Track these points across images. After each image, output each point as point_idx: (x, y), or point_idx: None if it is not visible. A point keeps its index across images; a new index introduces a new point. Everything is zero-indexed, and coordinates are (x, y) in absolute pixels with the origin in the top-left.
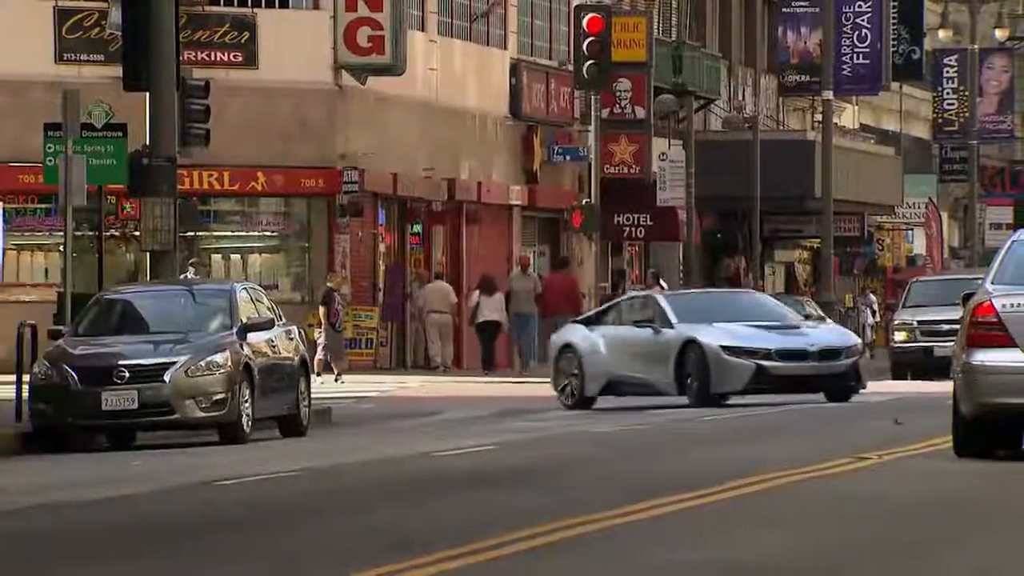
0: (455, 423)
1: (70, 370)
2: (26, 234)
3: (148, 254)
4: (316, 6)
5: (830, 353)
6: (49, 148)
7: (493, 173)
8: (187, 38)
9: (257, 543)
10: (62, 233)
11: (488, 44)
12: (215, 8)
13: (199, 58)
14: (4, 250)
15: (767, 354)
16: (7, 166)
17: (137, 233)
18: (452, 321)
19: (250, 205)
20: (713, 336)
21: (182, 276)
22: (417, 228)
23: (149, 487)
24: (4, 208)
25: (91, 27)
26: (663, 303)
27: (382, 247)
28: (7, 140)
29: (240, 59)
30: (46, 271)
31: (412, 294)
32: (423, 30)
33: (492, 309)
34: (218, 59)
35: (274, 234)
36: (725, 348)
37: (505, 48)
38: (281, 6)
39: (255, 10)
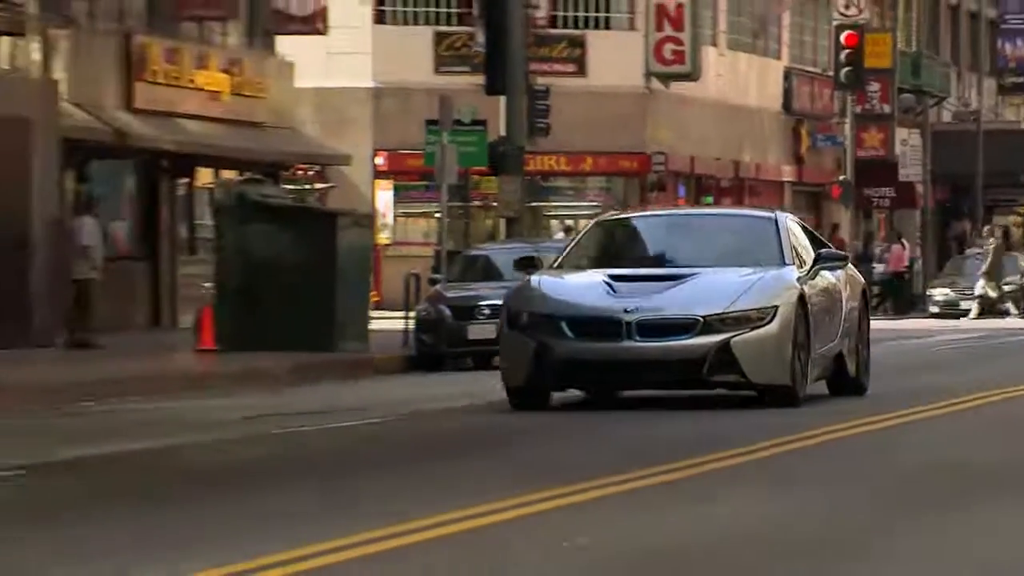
0: None
1: (445, 308)
2: (411, 205)
3: (503, 220)
4: (632, 27)
5: (665, 328)
6: (429, 139)
7: (769, 156)
8: (533, 53)
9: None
10: (438, 204)
11: (766, 55)
12: (554, 30)
13: (542, 69)
14: (395, 217)
15: (555, 326)
16: (398, 153)
17: (494, 204)
18: None
19: (580, 182)
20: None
21: (557, 235)
22: (709, 199)
23: (496, 398)
24: (396, 185)
25: (461, 46)
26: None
27: None
28: (398, 134)
29: (573, 70)
30: (426, 233)
31: None
32: (715, 45)
33: None
34: (556, 70)
35: (598, 205)
36: (512, 316)
37: (780, 59)
38: (605, 28)
39: (585, 31)
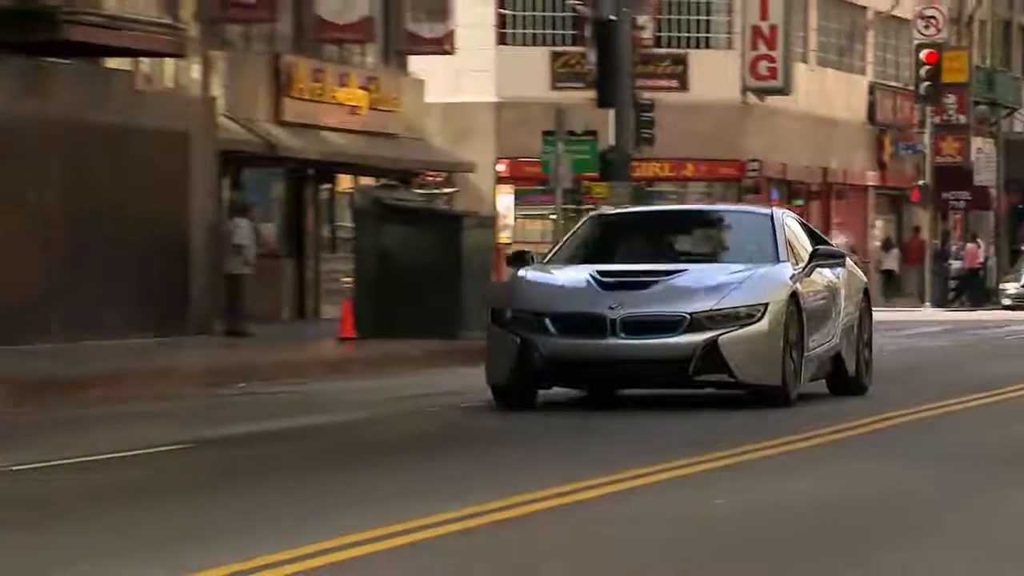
0: None
1: None
2: (530, 208)
3: None
4: (729, 46)
5: (650, 325)
6: (546, 149)
7: (854, 163)
8: (639, 70)
9: None
10: (554, 207)
11: (852, 72)
12: (658, 50)
13: (647, 84)
14: (515, 218)
15: (539, 323)
16: (517, 161)
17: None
18: None
19: (682, 187)
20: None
21: None
22: (799, 202)
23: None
24: (516, 190)
25: (574, 64)
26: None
27: None
28: (517, 143)
29: (676, 85)
30: (542, 233)
31: None
32: (805, 62)
33: (890, 261)
34: (661, 85)
35: None
36: (496, 313)
37: (864, 74)
38: (705, 47)
39: (687, 50)
